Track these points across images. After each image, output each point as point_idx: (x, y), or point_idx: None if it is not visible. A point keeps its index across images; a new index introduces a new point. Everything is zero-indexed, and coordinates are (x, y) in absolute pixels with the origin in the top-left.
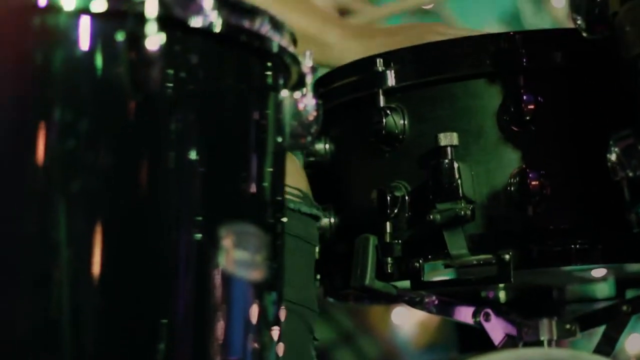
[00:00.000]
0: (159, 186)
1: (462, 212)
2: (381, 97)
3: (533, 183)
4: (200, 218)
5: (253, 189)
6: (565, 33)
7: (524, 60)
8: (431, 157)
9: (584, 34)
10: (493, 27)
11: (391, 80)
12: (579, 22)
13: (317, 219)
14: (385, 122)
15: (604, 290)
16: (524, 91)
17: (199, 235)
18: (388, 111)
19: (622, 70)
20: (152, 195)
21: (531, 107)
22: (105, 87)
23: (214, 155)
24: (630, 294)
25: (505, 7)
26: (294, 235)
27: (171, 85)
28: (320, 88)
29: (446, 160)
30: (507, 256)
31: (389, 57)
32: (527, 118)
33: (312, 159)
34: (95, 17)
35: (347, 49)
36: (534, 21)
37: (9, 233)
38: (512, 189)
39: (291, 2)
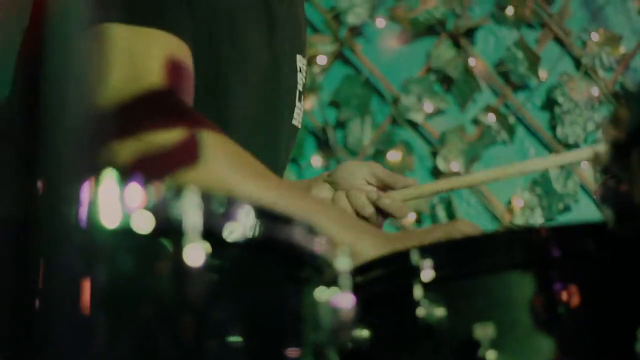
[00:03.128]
0: None
1: None
2: (417, 289)
3: None
4: None
5: None
6: (596, 225)
7: (555, 252)
8: (468, 348)
9: (613, 227)
10: (523, 190)
11: (427, 272)
12: (607, 214)
13: None
14: (422, 314)
15: None
16: (556, 281)
17: None
18: (424, 303)
19: None
20: None
21: (563, 297)
22: (148, 300)
23: (252, 346)
24: None
25: (534, 173)
26: None
27: (211, 288)
28: (358, 277)
29: (482, 351)
30: None
31: (425, 250)
32: (560, 308)
33: (349, 345)
34: (138, 234)
35: None
36: (562, 183)
37: None
38: None
39: (331, 214)
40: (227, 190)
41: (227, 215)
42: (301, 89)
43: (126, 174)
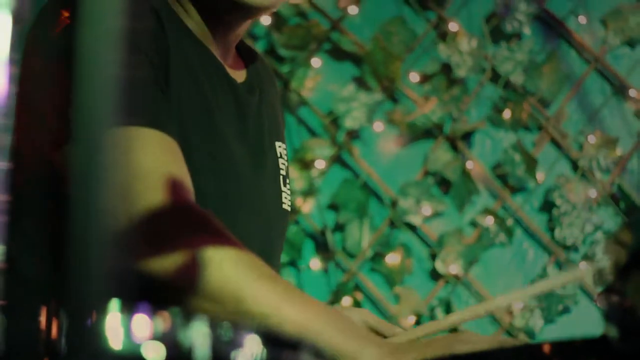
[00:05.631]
0: None
1: None
2: None
3: None
4: None
5: None
6: (597, 341)
7: None
8: None
9: (618, 343)
10: (520, 289)
11: None
12: (612, 332)
13: None
14: None
15: None
16: None
17: None
18: None
19: None
20: None
21: None
22: None
23: None
24: None
25: (533, 270)
26: None
27: None
28: None
29: None
30: None
31: None
32: None
33: None
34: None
35: None
36: (558, 277)
37: None
38: None
39: (332, 320)
40: (237, 292)
41: (234, 342)
42: (284, 174)
43: (133, 303)
